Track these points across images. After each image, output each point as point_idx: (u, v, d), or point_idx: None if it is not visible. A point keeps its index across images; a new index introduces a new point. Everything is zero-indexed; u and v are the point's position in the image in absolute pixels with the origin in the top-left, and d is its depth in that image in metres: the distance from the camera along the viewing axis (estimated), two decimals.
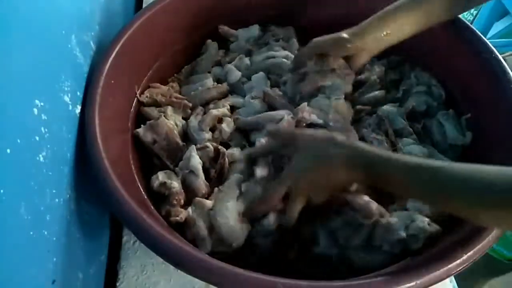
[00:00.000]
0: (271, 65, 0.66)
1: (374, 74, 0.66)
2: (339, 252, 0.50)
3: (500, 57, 0.56)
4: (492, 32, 1.56)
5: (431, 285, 0.39)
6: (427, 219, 0.48)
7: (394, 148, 0.57)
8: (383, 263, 0.47)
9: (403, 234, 0.47)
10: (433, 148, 0.58)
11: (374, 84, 0.65)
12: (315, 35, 0.59)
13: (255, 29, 0.70)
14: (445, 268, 0.39)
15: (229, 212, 0.49)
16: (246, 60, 0.66)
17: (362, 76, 0.66)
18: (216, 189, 0.52)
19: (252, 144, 0.57)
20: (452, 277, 0.57)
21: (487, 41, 0.58)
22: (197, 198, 0.51)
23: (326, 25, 0.62)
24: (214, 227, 0.49)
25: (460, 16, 0.61)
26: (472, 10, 1.59)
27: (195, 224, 0.49)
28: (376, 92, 0.64)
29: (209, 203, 0.50)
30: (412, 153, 0.55)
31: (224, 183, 0.52)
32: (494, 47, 0.57)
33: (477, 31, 0.60)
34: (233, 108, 0.62)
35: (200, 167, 0.53)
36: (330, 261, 0.50)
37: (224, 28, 0.70)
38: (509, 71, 0.55)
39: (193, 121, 0.59)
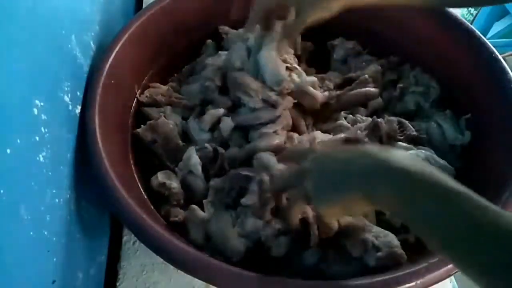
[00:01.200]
0: None
1: (366, 72, 0.65)
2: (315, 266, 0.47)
3: (500, 57, 0.56)
4: (492, 32, 1.57)
5: (431, 285, 0.39)
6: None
7: None
8: (358, 273, 0.45)
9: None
10: (430, 152, 0.55)
11: (365, 81, 0.63)
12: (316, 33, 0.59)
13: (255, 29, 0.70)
14: (445, 268, 0.39)
15: (229, 232, 0.47)
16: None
17: (353, 74, 0.65)
18: (208, 203, 0.50)
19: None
20: (452, 277, 0.57)
21: (487, 41, 0.58)
22: (192, 206, 0.50)
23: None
24: (211, 240, 0.48)
25: (460, 16, 0.61)
26: (472, 10, 1.59)
27: (191, 234, 0.48)
28: (370, 89, 0.63)
29: (203, 215, 0.49)
30: None
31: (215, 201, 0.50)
32: (494, 47, 0.57)
33: (477, 31, 0.60)
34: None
35: (199, 167, 0.53)
36: (310, 271, 0.47)
37: (224, 28, 0.70)
38: (509, 71, 0.55)
39: (193, 121, 0.59)
